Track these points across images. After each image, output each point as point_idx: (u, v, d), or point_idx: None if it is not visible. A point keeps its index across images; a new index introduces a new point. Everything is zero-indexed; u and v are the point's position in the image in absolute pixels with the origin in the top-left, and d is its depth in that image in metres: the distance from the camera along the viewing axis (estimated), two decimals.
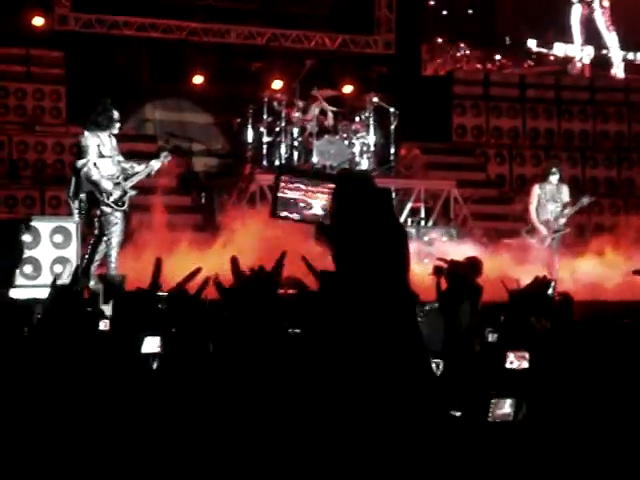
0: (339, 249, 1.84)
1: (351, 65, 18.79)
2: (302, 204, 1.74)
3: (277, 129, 16.90)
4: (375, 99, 17.32)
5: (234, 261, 4.05)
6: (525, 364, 5.81)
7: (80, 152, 12.79)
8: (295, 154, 16.85)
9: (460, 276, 10.19)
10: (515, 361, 5.90)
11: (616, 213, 18.72)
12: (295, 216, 1.76)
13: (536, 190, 15.47)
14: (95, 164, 12.74)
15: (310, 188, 1.74)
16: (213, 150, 18.05)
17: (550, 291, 8.19)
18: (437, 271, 10.40)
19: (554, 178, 15.48)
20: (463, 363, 5.66)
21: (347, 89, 18.13)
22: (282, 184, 1.71)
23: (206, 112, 18.55)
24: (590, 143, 19.74)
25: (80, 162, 12.77)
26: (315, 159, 16.66)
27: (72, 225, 13.63)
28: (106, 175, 12.80)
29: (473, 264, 10.62)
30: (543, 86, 19.83)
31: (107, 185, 12.83)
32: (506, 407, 3.96)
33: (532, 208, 15.41)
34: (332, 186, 1.82)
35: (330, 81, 17.81)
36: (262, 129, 16.96)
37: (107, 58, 17.96)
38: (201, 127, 18.66)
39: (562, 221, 15.37)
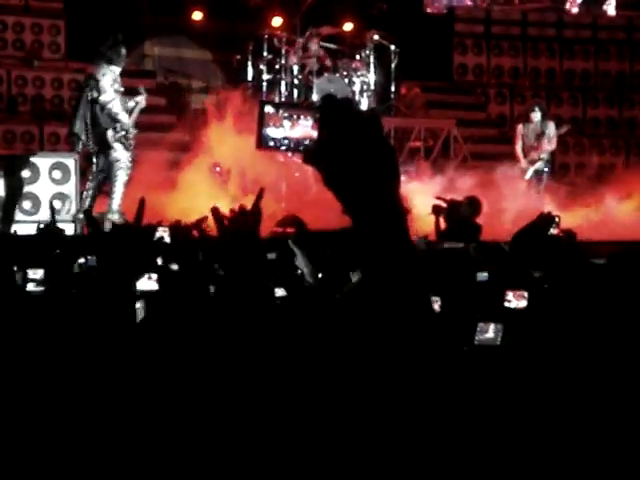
0: (330, 173, 1.83)
1: (351, 2, 18.59)
2: (287, 134, 1.74)
3: (277, 66, 16.80)
4: (376, 37, 17.20)
5: (215, 212, 3.94)
6: (524, 303, 5.85)
7: (99, 87, 12.77)
8: (295, 92, 16.77)
9: (459, 216, 10.25)
10: (514, 300, 5.94)
11: (617, 153, 18.68)
12: (281, 146, 1.76)
13: (520, 130, 15.65)
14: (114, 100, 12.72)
15: (294, 117, 1.73)
16: (212, 87, 17.92)
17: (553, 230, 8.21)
18: (436, 210, 10.44)
19: (536, 116, 15.55)
20: (461, 301, 5.70)
21: (347, 26, 17.97)
22: (266, 115, 1.70)
23: (205, 49, 18.41)
24: (592, 82, 19.62)
25: (106, 97, 12.73)
26: (315, 97, 16.58)
27: (71, 161, 13.63)
28: (123, 112, 12.76)
29: (472, 203, 10.66)
30: (545, 24, 19.66)
31: (127, 121, 12.74)
32: (491, 332, 4.02)
33: (518, 148, 15.61)
34: (317, 115, 1.80)
35: (330, 18, 17.64)
36: (262, 66, 16.87)
37: None
38: (200, 64, 18.52)
39: (539, 150, 15.48)
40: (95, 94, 12.84)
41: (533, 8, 19.97)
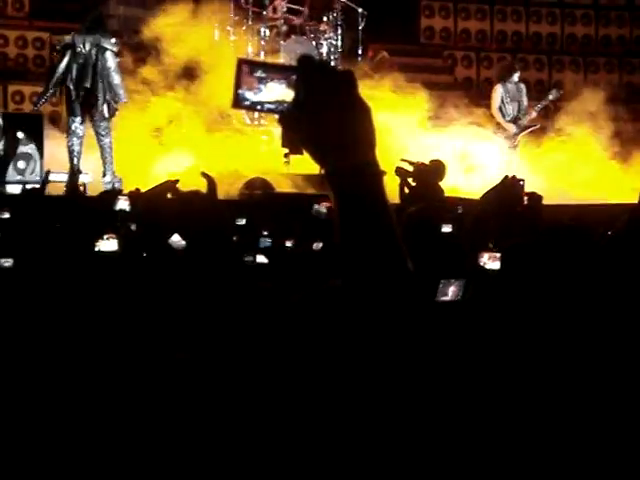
0: (306, 134, 1.82)
1: None
2: (264, 94, 1.72)
3: (244, 28, 16.68)
4: None
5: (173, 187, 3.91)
6: (497, 265, 5.89)
7: (106, 57, 13.09)
8: (262, 53, 16.66)
9: (425, 179, 10.24)
10: (488, 262, 5.97)
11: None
12: (257, 106, 1.74)
13: (499, 89, 15.52)
14: None
15: (272, 77, 1.72)
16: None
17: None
18: (401, 173, 10.44)
19: (516, 76, 15.53)
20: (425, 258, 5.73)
21: None
22: (244, 74, 1.69)
23: (172, 9, 18.18)
24: (557, 47, 19.64)
25: (115, 62, 13.15)
26: (282, 59, 16.49)
27: (36, 121, 13.53)
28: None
29: (437, 167, 10.67)
30: None
31: (122, 92, 13.20)
32: (454, 288, 4.05)
33: (495, 108, 15.51)
34: (293, 75, 1.79)
35: None
36: (229, 28, 16.74)
37: None
38: (166, 24, 18.30)
39: (532, 116, 15.46)
40: (104, 61, 13.09)
41: None
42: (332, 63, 16.77)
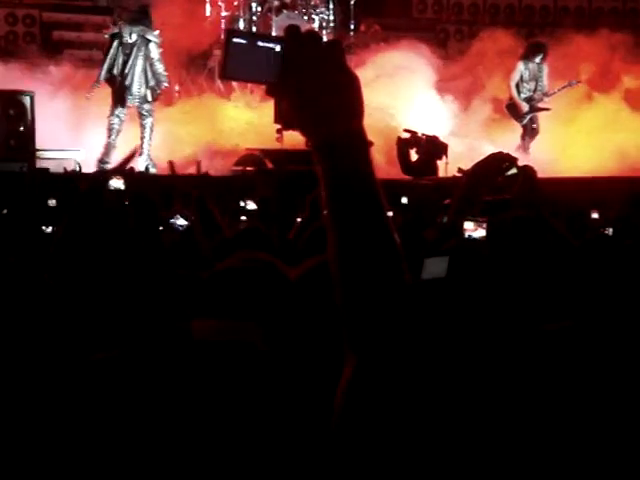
0: (292, 102, 1.81)
1: None
2: (253, 63, 1.71)
3: (235, 3, 16.63)
4: None
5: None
6: (482, 232, 5.87)
7: (150, 47, 13.90)
8: (254, 29, 16.61)
9: (429, 154, 10.26)
10: (473, 231, 5.94)
11: None
12: (246, 76, 1.74)
13: (520, 67, 15.57)
14: None
15: (260, 47, 1.71)
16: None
17: (513, 171, 8.20)
18: (405, 142, 10.40)
19: (539, 57, 15.57)
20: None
21: None
22: (232, 45, 1.68)
23: None
24: (550, 19, 19.57)
25: (158, 52, 13.99)
26: (274, 34, 16.41)
27: (27, 99, 13.47)
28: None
29: (441, 145, 10.69)
30: None
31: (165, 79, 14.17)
32: (439, 265, 4.07)
33: (512, 84, 15.56)
34: (281, 45, 1.80)
35: None
36: (220, 3, 16.68)
37: None
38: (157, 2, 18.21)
39: (546, 99, 15.57)
40: (148, 52, 13.92)
41: None
42: (323, 36, 16.75)
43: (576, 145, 15.51)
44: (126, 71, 13.84)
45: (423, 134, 10.38)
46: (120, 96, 13.87)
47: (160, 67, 14.03)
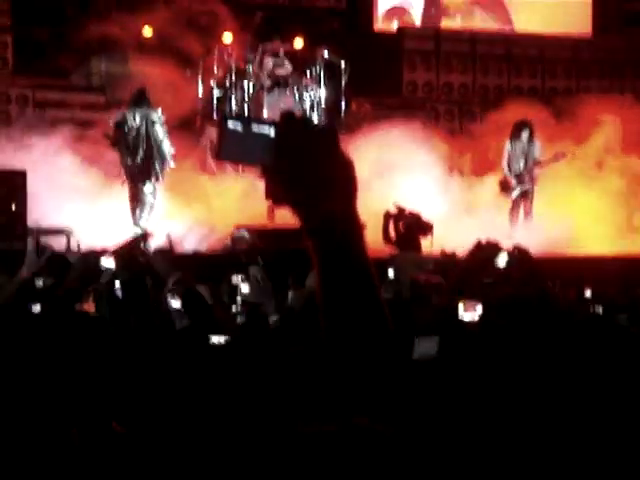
0: (288, 188, 1.83)
1: (302, 19, 18.64)
2: (247, 147, 1.74)
3: (227, 82, 16.78)
4: (326, 54, 17.25)
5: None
6: (476, 316, 5.88)
7: (155, 128, 14.25)
8: (245, 108, 16.75)
9: (412, 231, 10.34)
10: (465, 313, 5.95)
11: None
12: (240, 158, 1.77)
13: (507, 146, 16.03)
14: None
15: (254, 130, 1.74)
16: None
17: (503, 259, 8.28)
18: (390, 216, 10.52)
19: (524, 134, 15.92)
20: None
21: (298, 43, 17.99)
22: (227, 129, 1.71)
23: (154, 64, 18.29)
24: (539, 99, 19.76)
25: (161, 136, 14.29)
26: (266, 113, 16.58)
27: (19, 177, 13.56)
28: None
29: (426, 225, 10.79)
30: (493, 41, 19.85)
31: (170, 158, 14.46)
32: (429, 345, 4.08)
33: (504, 163, 16.03)
34: (276, 129, 1.83)
35: (281, 35, 17.65)
36: (212, 82, 16.83)
37: (55, 9, 17.67)
38: (148, 80, 18.40)
39: (532, 175, 15.91)
40: (154, 133, 14.25)
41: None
42: (315, 117, 16.89)
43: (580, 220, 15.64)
44: (138, 155, 14.15)
45: (410, 211, 10.49)
46: (132, 177, 14.22)
47: (166, 147, 14.28)
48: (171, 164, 14.38)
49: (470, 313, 5.86)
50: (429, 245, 12.48)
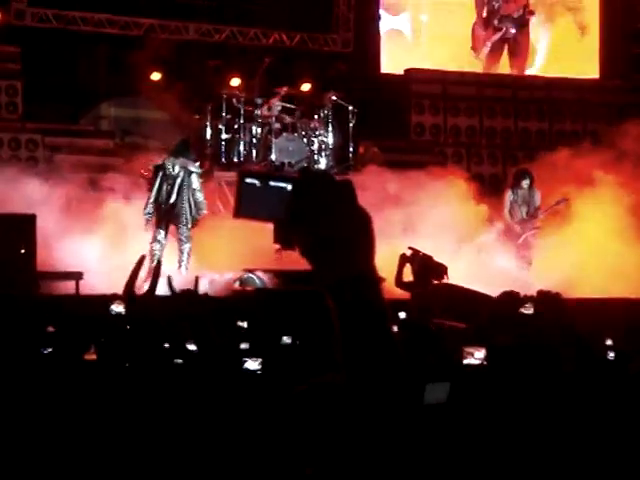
0: (304, 243, 1.83)
1: (309, 63, 18.75)
2: (265, 203, 1.75)
3: (236, 126, 16.86)
4: (333, 97, 17.34)
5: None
6: (475, 361, 5.87)
7: (192, 179, 14.70)
8: (254, 152, 16.82)
9: (425, 274, 10.34)
10: (467, 357, 5.94)
11: None
12: (258, 215, 1.78)
13: (509, 195, 16.20)
14: None
15: (272, 187, 1.75)
16: (171, 147, 17.92)
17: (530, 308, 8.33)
18: (405, 259, 10.56)
19: (525, 183, 16.10)
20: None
21: (305, 87, 18.09)
22: (245, 185, 1.73)
23: (163, 109, 18.41)
24: (546, 142, 19.83)
25: (199, 182, 14.82)
26: (274, 157, 16.64)
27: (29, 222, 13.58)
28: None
29: (439, 268, 10.77)
30: (500, 85, 19.94)
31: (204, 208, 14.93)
32: (440, 390, 4.10)
33: (505, 212, 16.18)
34: (291, 186, 1.83)
35: (289, 79, 17.75)
36: (220, 126, 16.91)
37: (64, 54, 17.81)
38: (158, 124, 18.51)
39: (535, 221, 16.10)
40: (190, 182, 14.69)
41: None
42: (322, 159, 16.94)
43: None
44: (171, 201, 14.54)
45: (423, 254, 10.50)
46: (163, 223, 14.57)
47: (200, 196, 14.74)
48: (204, 212, 14.80)
49: (469, 359, 5.88)
50: None
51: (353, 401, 1.81)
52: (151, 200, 14.57)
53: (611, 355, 6.54)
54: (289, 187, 1.87)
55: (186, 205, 14.70)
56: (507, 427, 3.62)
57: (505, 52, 20.42)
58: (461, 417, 3.79)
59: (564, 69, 20.59)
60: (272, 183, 1.90)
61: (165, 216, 14.62)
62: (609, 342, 7.64)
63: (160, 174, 14.68)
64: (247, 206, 1.91)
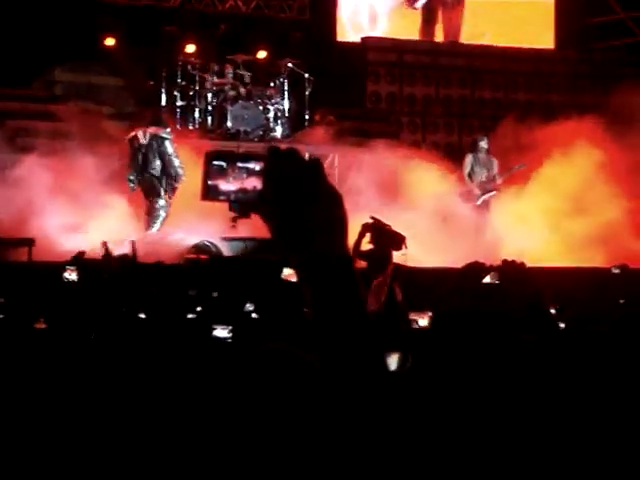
0: (275, 223, 1.82)
1: (265, 30, 18.63)
2: (232, 185, 1.75)
3: (191, 93, 16.75)
4: (290, 65, 17.27)
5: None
6: (425, 323, 5.94)
7: (165, 145, 14.82)
8: (209, 119, 16.73)
9: (383, 245, 10.35)
10: (414, 323, 6.01)
11: None
12: (226, 196, 1.78)
13: (469, 159, 16.56)
14: None
15: (239, 167, 1.75)
16: (124, 113, 17.74)
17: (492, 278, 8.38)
18: (365, 227, 10.57)
19: (483, 144, 16.58)
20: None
21: (261, 54, 17.98)
22: (213, 167, 1.72)
23: (117, 75, 18.23)
24: (501, 112, 19.88)
25: (173, 148, 14.95)
26: (229, 124, 16.56)
27: None
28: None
29: (398, 238, 10.78)
30: (456, 54, 19.95)
31: (182, 172, 14.91)
32: (392, 360, 4.14)
33: (465, 174, 16.54)
34: (260, 165, 1.83)
35: (244, 46, 17.64)
36: (175, 93, 16.80)
37: (16, 18, 17.55)
38: (111, 90, 18.33)
39: (495, 184, 16.44)
40: (162, 150, 14.82)
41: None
42: (277, 127, 16.88)
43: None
44: (148, 170, 14.73)
45: (383, 223, 10.51)
46: (147, 192, 14.80)
47: (176, 162, 14.80)
48: (183, 179, 14.79)
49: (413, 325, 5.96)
50: (403, 260, 12.49)
51: (327, 374, 1.81)
52: (130, 172, 14.79)
53: (562, 323, 6.60)
54: (257, 167, 1.87)
55: (162, 173, 14.80)
56: (450, 394, 3.63)
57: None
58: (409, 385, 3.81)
59: (520, 39, 20.62)
60: (239, 164, 1.90)
61: (146, 185, 14.84)
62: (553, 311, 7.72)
63: (135, 145, 14.88)
64: (214, 188, 1.91)
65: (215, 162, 1.92)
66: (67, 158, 14.86)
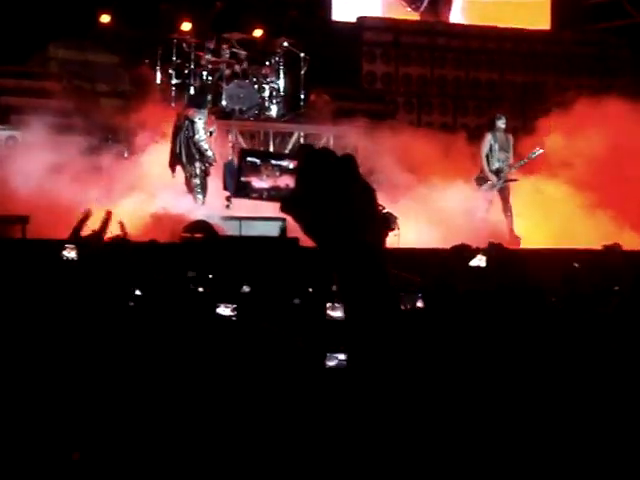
0: (309, 222, 1.84)
1: (261, 9, 18.58)
2: (265, 182, 1.78)
3: (186, 71, 16.72)
4: (285, 44, 17.24)
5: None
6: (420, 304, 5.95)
7: (194, 128, 14.53)
8: (209, 97, 16.68)
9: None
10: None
11: None
12: (259, 194, 1.81)
13: (489, 138, 15.85)
14: None
15: (272, 165, 1.77)
16: (119, 91, 17.70)
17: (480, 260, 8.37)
18: None
19: (501, 123, 15.89)
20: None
21: (257, 33, 17.95)
22: (246, 164, 1.75)
23: (112, 52, 18.18)
24: (497, 92, 19.88)
25: (199, 136, 14.64)
26: (224, 102, 16.54)
27: None
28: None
29: (389, 216, 10.81)
30: (452, 35, 19.90)
31: (212, 155, 14.75)
32: (340, 356, 4.22)
33: (483, 156, 15.80)
34: (294, 163, 1.86)
35: (240, 24, 17.60)
36: (171, 71, 16.76)
37: None
38: (106, 67, 18.28)
39: (513, 170, 15.83)
40: (190, 133, 14.57)
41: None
42: (272, 106, 16.86)
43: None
44: (180, 150, 14.53)
45: (379, 204, 10.56)
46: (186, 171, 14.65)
47: (204, 146, 14.57)
48: (212, 161, 14.64)
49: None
50: (396, 241, 12.50)
51: (358, 369, 1.83)
52: (171, 152, 14.63)
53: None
54: (291, 165, 1.89)
55: (190, 155, 14.60)
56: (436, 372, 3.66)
57: None
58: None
59: (516, 20, 20.58)
60: (273, 162, 1.92)
61: (178, 166, 14.66)
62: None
63: (176, 125, 14.70)
64: (247, 185, 1.93)
65: (249, 158, 1.94)
66: (61, 135, 14.84)
